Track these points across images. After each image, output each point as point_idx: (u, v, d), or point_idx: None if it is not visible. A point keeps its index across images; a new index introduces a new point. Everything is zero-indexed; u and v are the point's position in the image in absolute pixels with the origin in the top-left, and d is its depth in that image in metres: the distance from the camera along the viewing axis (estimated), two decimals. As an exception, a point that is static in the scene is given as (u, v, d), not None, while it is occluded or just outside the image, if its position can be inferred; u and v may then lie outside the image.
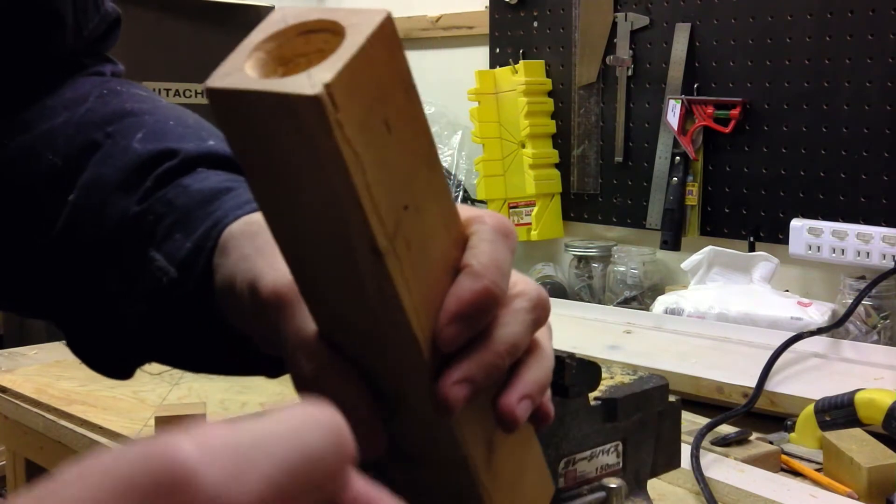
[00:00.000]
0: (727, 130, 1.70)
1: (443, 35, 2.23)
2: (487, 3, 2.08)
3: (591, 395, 0.63)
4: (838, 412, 0.96)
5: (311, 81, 0.31)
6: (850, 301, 1.38)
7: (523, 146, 1.95)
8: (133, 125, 0.62)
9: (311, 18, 0.34)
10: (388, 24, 0.33)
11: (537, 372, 0.42)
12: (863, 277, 1.45)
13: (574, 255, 1.90)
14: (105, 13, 0.76)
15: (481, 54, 2.09)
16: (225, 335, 0.52)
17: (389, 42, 0.33)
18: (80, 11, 0.72)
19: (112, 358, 0.61)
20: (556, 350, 0.57)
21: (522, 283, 0.41)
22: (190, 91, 1.89)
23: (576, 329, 1.45)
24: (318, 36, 0.34)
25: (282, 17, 0.35)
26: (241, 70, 0.33)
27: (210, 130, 0.62)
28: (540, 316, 0.41)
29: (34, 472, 1.32)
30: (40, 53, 0.70)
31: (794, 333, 1.24)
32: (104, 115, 0.65)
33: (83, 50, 0.74)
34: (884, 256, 1.48)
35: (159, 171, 0.57)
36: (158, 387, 1.25)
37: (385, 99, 0.33)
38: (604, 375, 0.63)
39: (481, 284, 0.38)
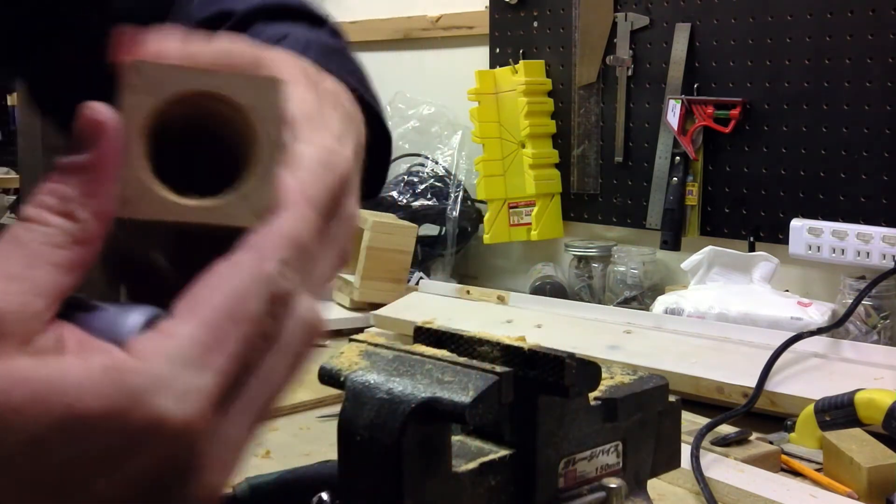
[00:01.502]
0: (727, 130, 1.70)
1: (443, 35, 2.23)
2: (487, 3, 2.08)
3: (591, 395, 0.63)
4: (838, 412, 0.95)
5: (251, 207, 0.31)
6: (850, 301, 1.38)
7: (523, 146, 1.95)
8: None
9: (192, 88, 0.32)
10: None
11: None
12: (863, 277, 1.45)
13: (574, 255, 1.90)
14: None
15: (481, 54, 2.09)
16: None
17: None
18: None
19: None
20: (556, 350, 0.57)
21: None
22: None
23: (576, 329, 1.45)
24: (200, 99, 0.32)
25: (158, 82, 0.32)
26: (151, 189, 0.31)
27: None
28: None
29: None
30: None
31: (794, 333, 1.24)
32: None
33: None
34: (884, 256, 1.48)
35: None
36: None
37: None
38: (604, 375, 0.63)
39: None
